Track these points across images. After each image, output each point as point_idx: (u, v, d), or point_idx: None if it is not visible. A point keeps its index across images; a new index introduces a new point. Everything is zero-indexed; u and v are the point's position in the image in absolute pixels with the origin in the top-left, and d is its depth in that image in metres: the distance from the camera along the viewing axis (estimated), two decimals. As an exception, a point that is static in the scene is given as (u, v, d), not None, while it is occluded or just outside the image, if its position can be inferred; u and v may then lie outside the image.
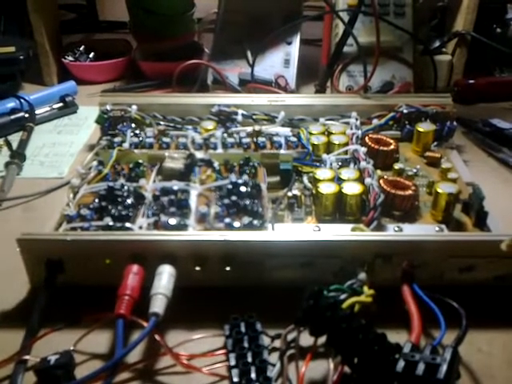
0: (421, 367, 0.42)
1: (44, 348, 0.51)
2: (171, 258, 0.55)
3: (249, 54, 1.00)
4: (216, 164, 0.72)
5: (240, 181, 0.66)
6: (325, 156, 0.74)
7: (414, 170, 0.73)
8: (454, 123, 0.81)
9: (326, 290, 0.50)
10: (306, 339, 0.49)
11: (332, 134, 0.78)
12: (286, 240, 0.57)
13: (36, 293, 0.57)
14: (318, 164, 0.73)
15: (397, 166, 0.72)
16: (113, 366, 0.48)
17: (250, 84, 0.96)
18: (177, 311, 0.52)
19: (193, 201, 0.65)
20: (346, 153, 0.74)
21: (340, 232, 0.59)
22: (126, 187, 0.66)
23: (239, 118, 0.81)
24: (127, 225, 0.60)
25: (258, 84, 0.96)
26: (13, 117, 0.91)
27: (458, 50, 1.03)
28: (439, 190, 0.64)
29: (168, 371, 0.51)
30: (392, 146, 0.76)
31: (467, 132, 0.90)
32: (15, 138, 0.87)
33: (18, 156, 0.82)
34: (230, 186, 0.66)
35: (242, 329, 0.52)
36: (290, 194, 0.68)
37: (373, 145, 0.75)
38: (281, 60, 1.00)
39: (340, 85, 0.96)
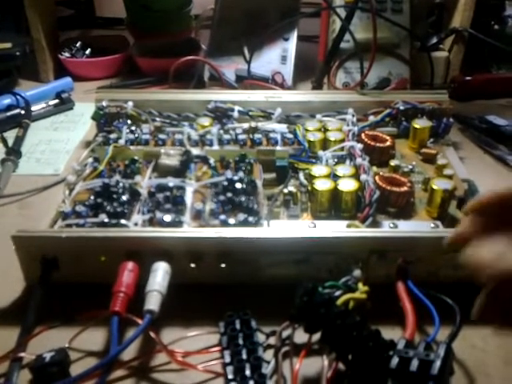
0: (415, 363, 0.43)
1: (39, 345, 0.51)
2: (166, 254, 0.55)
3: (245, 50, 1.00)
4: (212, 160, 0.71)
5: (236, 177, 0.66)
6: (321, 153, 0.74)
7: (410, 167, 0.73)
8: (451, 120, 0.81)
9: (321, 287, 0.50)
10: (301, 336, 0.49)
11: (328, 130, 0.78)
12: (282, 237, 0.57)
13: (31, 290, 0.57)
14: (314, 161, 0.73)
15: (393, 162, 0.72)
16: (108, 363, 0.48)
17: (246, 80, 0.96)
18: (172, 308, 0.52)
19: (188, 197, 0.65)
20: (342, 149, 0.74)
21: (335, 228, 0.59)
22: (121, 184, 0.65)
23: (235, 114, 0.82)
24: (122, 221, 0.60)
25: (254, 80, 0.95)
26: (9, 113, 0.91)
27: (455, 47, 1.03)
28: (434, 187, 0.64)
29: (163, 368, 0.51)
30: (388, 143, 0.76)
31: (463, 129, 0.90)
32: (11, 135, 0.87)
33: (13, 153, 0.82)
34: (225, 183, 0.66)
35: (237, 326, 0.52)
36: (285, 190, 0.68)
37: (369, 141, 0.75)
38: (278, 56, 1.01)
39: (337, 81, 0.96)
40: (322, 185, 0.65)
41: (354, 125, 0.78)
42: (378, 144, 0.75)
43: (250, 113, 0.82)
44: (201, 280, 0.57)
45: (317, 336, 0.47)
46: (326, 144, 0.77)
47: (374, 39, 0.90)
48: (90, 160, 0.72)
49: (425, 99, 0.83)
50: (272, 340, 0.52)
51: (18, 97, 0.95)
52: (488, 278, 0.41)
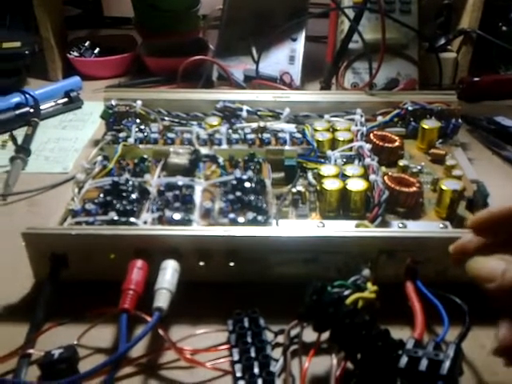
0: (424, 363, 0.42)
1: (48, 342, 0.51)
2: (175, 253, 0.55)
3: (254, 50, 1.00)
4: (221, 160, 0.72)
5: (245, 176, 0.66)
6: (329, 152, 0.74)
7: (419, 167, 0.73)
8: (459, 120, 0.81)
9: (330, 286, 0.50)
10: (310, 335, 0.49)
11: (337, 130, 0.78)
12: (290, 236, 0.57)
13: (40, 287, 0.57)
14: (322, 160, 0.73)
15: (401, 162, 0.72)
16: (116, 360, 0.48)
17: (254, 80, 0.96)
18: (181, 306, 0.52)
19: (197, 196, 0.65)
20: (350, 149, 0.74)
21: (344, 228, 0.59)
22: (130, 182, 0.66)
23: (244, 114, 0.82)
24: (132, 219, 0.60)
25: (262, 80, 0.96)
26: (18, 112, 0.92)
27: (463, 48, 1.03)
28: (443, 187, 0.64)
29: (171, 366, 0.51)
30: (397, 143, 0.76)
31: (472, 130, 0.90)
32: (20, 133, 0.88)
33: (23, 151, 0.82)
34: (234, 182, 0.66)
35: (246, 324, 0.52)
36: (294, 190, 0.68)
37: (378, 141, 0.75)
38: (286, 57, 1.01)
39: (345, 82, 0.96)
40: (331, 184, 0.65)
41: (362, 125, 0.78)
42: (386, 144, 0.75)
43: (259, 112, 0.82)
44: (209, 278, 0.57)
45: (326, 335, 0.47)
46: (334, 144, 0.77)
47: (382, 40, 0.90)
48: (100, 158, 0.72)
49: (433, 100, 0.83)
50: (280, 338, 0.52)
51: (27, 95, 0.95)
52: (493, 290, 0.41)
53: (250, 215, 0.61)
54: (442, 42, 1.04)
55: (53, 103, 0.97)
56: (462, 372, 0.45)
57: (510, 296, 0.40)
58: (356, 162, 0.72)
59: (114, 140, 0.77)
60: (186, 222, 0.60)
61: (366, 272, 0.54)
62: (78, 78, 1.05)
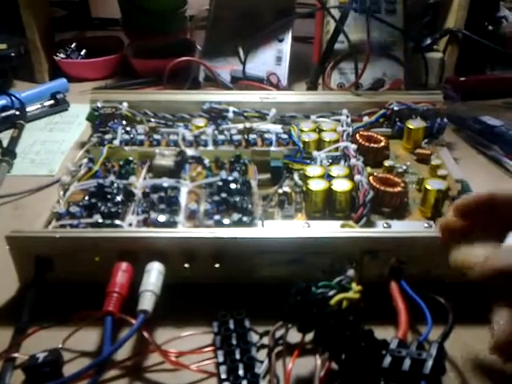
0: (407, 363, 0.43)
1: (32, 346, 0.51)
2: (160, 255, 0.55)
3: (241, 51, 1.00)
4: (207, 161, 0.71)
5: (230, 178, 0.66)
6: (315, 153, 0.74)
7: (404, 167, 0.73)
8: (445, 120, 0.81)
9: (315, 287, 0.50)
10: (295, 336, 0.50)
11: (323, 131, 0.78)
12: (276, 237, 0.57)
13: (25, 290, 0.57)
14: (308, 161, 0.73)
15: (387, 163, 0.72)
16: (101, 363, 0.48)
17: (241, 81, 0.96)
18: (166, 308, 0.52)
19: (183, 198, 0.65)
20: (336, 150, 0.74)
21: (329, 229, 0.60)
22: (115, 184, 0.65)
23: (230, 115, 0.82)
24: (116, 222, 0.60)
25: (249, 81, 0.96)
26: (3, 114, 0.91)
27: (450, 48, 1.03)
28: (428, 187, 0.65)
29: (156, 368, 0.51)
30: (382, 143, 0.76)
31: (458, 129, 0.90)
32: (6, 136, 0.87)
33: (8, 153, 0.82)
34: (220, 183, 0.66)
35: (231, 326, 0.52)
36: (280, 191, 0.68)
37: (363, 142, 0.76)
38: (273, 57, 1.01)
39: (331, 82, 0.96)
40: (317, 185, 0.65)
41: (348, 125, 0.78)
42: (372, 145, 0.76)
43: (245, 113, 0.82)
44: (195, 280, 0.57)
45: (310, 336, 0.47)
46: (320, 144, 0.77)
47: (368, 40, 0.90)
48: (85, 160, 0.72)
49: (419, 100, 0.83)
50: (265, 340, 0.52)
51: (13, 98, 0.95)
52: (478, 277, 0.41)
53: (236, 216, 0.61)
54: (428, 41, 1.04)
55: (39, 105, 0.96)
56: (445, 371, 0.46)
57: (498, 282, 0.40)
58: (342, 162, 0.72)
59: (99, 142, 0.77)
60: (171, 223, 0.60)
61: (351, 272, 0.54)
62: (65, 80, 1.05)
